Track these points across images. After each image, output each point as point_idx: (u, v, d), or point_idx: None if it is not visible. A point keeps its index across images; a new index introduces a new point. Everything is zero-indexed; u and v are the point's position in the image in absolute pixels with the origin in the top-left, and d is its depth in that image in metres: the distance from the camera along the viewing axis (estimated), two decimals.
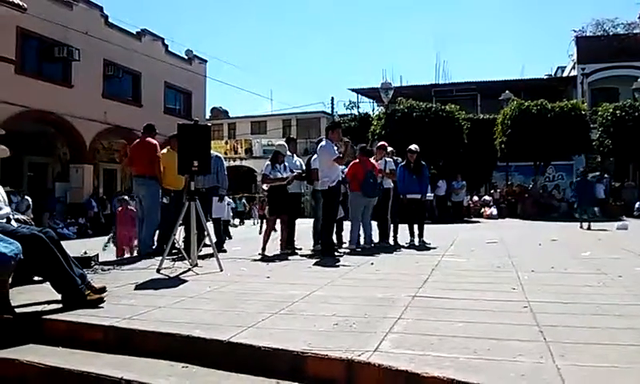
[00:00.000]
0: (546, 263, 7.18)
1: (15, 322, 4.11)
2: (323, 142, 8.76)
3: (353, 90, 36.98)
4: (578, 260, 7.81)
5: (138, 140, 9.40)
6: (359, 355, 3.12)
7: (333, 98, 38.94)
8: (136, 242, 9.35)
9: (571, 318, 4.02)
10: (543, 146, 22.36)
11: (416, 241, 10.16)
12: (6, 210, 4.81)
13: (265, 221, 16.18)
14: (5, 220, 4.70)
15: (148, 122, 9.57)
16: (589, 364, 2.97)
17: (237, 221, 26.57)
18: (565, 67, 35.34)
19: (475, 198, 25.98)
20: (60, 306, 4.52)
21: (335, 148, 8.49)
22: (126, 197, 11.03)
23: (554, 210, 23.72)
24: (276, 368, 3.30)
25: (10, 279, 4.33)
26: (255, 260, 8.11)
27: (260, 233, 11.60)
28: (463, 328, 3.72)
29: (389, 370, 2.92)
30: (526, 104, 23.10)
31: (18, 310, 4.30)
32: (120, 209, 10.84)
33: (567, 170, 28.53)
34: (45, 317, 4.20)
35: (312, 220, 9.65)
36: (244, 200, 31.98)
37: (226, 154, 32.98)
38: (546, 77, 35.82)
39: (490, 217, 23.02)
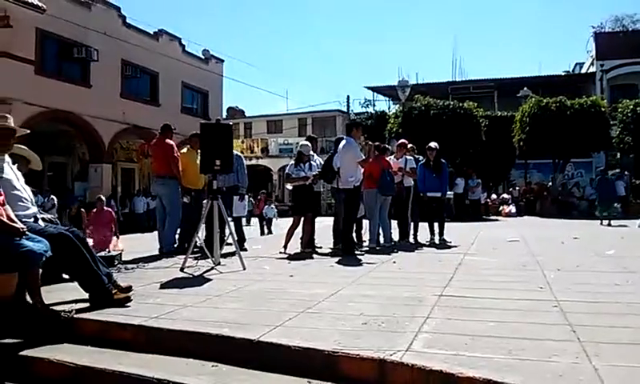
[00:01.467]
0: (570, 262, 7.11)
1: (46, 320, 4.13)
2: (344, 141, 8.74)
3: (368, 88, 36.92)
4: (603, 258, 7.71)
5: (155, 140, 9.45)
6: (391, 355, 3.09)
7: (348, 97, 39.02)
8: (112, 245, 9.44)
9: (603, 318, 3.96)
10: (562, 143, 22.18)
11: (436, 239, 10.08)
12: (33, 209, 4.84)
13: (264, 221, 15.92)
14: (32, 219, 4.72)
15: (165, 121, 9.63)
16: (625, 364, 2.92)
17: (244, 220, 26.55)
18: (583, 64, 35.01)
19: (493, 195, 25.80)
20: (87, 304, 4.54)
21: (359, 148, 8.51)
22: (102, 196, 10.88)
23: (573, 207, 23.48)
24: (307, 367, 3.29)
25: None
26: (277, 259, 8.11)
27: (262, 234, 11.80)
28: (494, 327, 3.68)
29: (422, 370, 2.89)
30: (545, 101, 22.91)
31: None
32: (94, 210, 10.74)
33: (586, 168, 28.26)
34: (75, 316, 4.21)
35: (329, 218, 9.63)
36: (251, 198, 31.99)
37: (242, 152, 32.99)
38: (564, 73, 35.50)
39: (509, 215, 22.86)
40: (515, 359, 2.99)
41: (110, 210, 9.88)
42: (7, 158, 4.82)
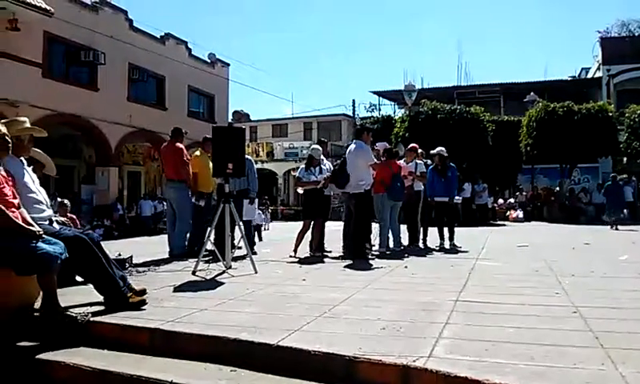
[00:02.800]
0: (584, 267, 7.07)
1: (62, 324, 4.12)
2: (353, 145, 8.73)
3: (374, 93, 36.97)
4: (616, 264, 7.66)
5: (165, 144, 9.45)
6: (414, 361, 3.06)
7: (354, 101, 38.90)
8: None
9: (624, 324, 3.92)
10: (569, 148, 22.16)
11: (446, 244, 10.05)
12: (49, 211, 4.84)
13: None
14: (47, 222, 4.72)
15: (172, 125, 9.63)
16: None
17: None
18: (589, 69, 34.93)
19: (500, 200, 25.74)
20: (103, 308, 4.53)
21: (372, 152, 8.51)
22: (66, 201, 10.64)
23: (581, 213, 23.40)
24: (327, 373, 3.26)
25: None
26: (288, 262, 8.09)
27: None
28: (515, 333, 3.64)
29: (448, 377, 2.85)
30: (552, 106, 22.86)
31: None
32: None
33: (593, 173, 28.17)
34: (91, 319, 4.19)
35: (338, 222, 9.61)
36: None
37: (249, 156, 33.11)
38: (570, 78, 35.43)
39: (516, 220, 22.81)
40: (540, 366, 2.95)
41: (74, 216, 9.73)
42: (24, 160, 4.82)
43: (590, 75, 34.11)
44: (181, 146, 8.97)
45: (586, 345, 3.37)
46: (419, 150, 10.55)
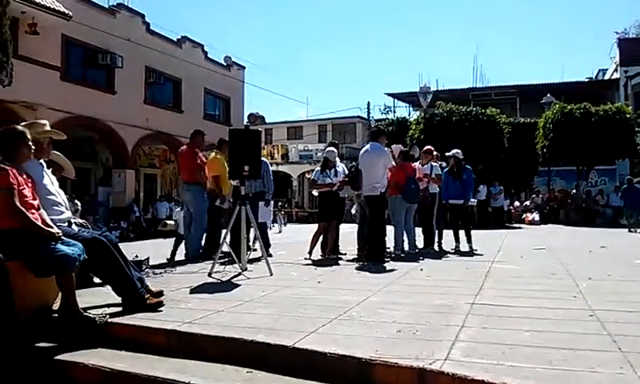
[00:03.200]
0: (600, 270, 6.99)
1: (81, 325, 4.16)
2: (368, 146, 8.72)
3: (389, 95, 36.86)
4: (633, 267, 7.59)
5: (183, 146, 9.51)
6: (430, 364, 3.05)
7: (369, 103, 38.85)
8: None
9: None
10: (586, 150, 21.95)
11: (462, 246, 10.01)
12: (67, 213, 4.90)
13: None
14: (66, 223, 4.78)
15: (188, 127, 9.68)
16: None
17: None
18: (606, 70, 34.58)
19: (516, 203, 25.55)
20: (120, 309, 4.57)
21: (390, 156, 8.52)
22: (77, 201, 10.67)
23: (598, 215, 23.17)
24: (343, 375, 3.27)
25: None
26: (303, 264, 8.11)
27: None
28: (532, 337, 3.62)
29: (464, 380, 2.85)
30: (569, 107, 22.67)
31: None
32: None
33: (610, 175, 27.87)
34: (109, 320, 4.24)
35: (351, 225, 9.61)
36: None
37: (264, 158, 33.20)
38: (587, 80, 35.09)
39: (532, 222, 22.62)
40: (558, 370, 2.94)
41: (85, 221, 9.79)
42: (43, 162, 4.89)
43: (607, 77, 33.76)
44: (193, 148, 9.02)
45: (604, 348, 3.35)
46: (434, 153, 10.50)
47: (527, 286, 5.91)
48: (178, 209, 16.19)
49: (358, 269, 7.62)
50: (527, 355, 3.20)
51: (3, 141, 4.37)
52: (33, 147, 4.47)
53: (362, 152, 9.04)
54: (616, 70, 31.10)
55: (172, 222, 14.37)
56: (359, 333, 3.83)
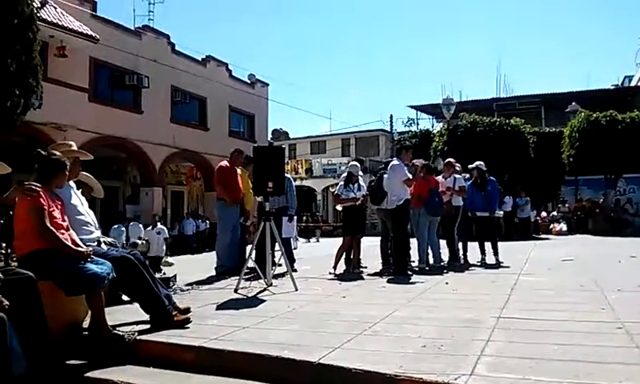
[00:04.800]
0: (631, 282, 6.85)
1: (110, 342, 4.25)
2: (395, 162, 8.75)
3: (412, 107, 36.82)
4: None
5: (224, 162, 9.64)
6: (455, 379, 3.06)
7: (392, 116, 38.76)
8: None
9: None
10: (614, 158, 21.64)
11: (487, 259, 9.92)
12: (97, 233, 5.02)
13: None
14: (95, 243, 4.89)
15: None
16: None
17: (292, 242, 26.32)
18: (632, 76, 34.06)
19: (543, 213, 25.21)
20: (148, 326, 4.65)
21: (406, 169, 8.52)
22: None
23: (627, 224, 22.73)
24: None
25: None
26: (328, 279, 8.14)
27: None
28: (558, 350, 3.59)
29: None
30: (595, 115, 22.38)
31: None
32: None
33: (639, 183, 27.35)
34: (137, 338, 4.32)
35: (374, 238, 9.61)
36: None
37: (288, 174, 33.36)
38: (613, 87, 34.60)
39: (560, 233, 22.30)
40: (584, 383, 2.91)
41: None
42: (72, 183, 5.02)
43: (633, 83, 33.26)
44: (221, 164, 9.15)
45: (633, 362, 3.32)
46: (456, 165, 10.45)
47: (554, 299, 5.85)
48: (150, 228, 16.36)
49: (382, 283, 7.61)
50: (553, 369, 3.18)
51: (43, 166, 4.51)
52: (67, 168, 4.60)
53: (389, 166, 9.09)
54: None
55: (142, 242, 14.46)
56: (384, 348, 3.84)
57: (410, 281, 7.68)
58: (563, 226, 22.97)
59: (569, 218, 24.34)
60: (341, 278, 8.33)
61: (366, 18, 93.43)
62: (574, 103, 26.07)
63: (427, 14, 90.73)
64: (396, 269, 8.34)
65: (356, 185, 9.02)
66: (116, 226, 16.39)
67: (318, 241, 20.06)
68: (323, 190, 37.82)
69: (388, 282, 7.68)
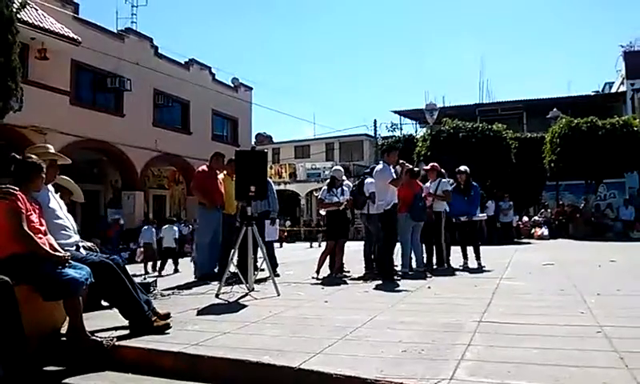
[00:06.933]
0: (610, 286, 6.93)
1: (88, 348, 4.19)
2: (380, 165, 8.74)
3: (395, 112, 36.96)
4: None
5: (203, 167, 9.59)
6: (436, 383, 3.05)
7: (375, 121, 38.86)
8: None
9: None
10: (594, 163, 21.86)
11: (469, 263, 9.96)
12: (75, 237, 4.95)
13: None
14: (74, 247, 4.83)
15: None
16: None
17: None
18: (613, 83, 34.52)
19: (525, 218, 25.43)
20: (127, 332, 4.60)
21: (392, 170, 8.48)
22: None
23: (607, 229, 22.99)
24: None
25: None
26: (311, 284, 8.12)
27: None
28: (538, 354, 3.61)
29: None
30: (576, 121, 22.63)
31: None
32: None
33: (619, 188, 27.71)
34: (116, 343, 4.26)
35: (358, 242, 9.60)
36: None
37: (270, 178, 33.23)
38: (593, 93, 35.04)
39: (541, 237, 22.47)
40: None
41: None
42: (50, 187, 4.95)
43: (613, 90, 33.69)
44: (199, 169, 9.13)
45: (611, 365, 3.34)
46: (441, 170, 10.47)
47: (535, 303, 5.88)
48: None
49: (365, 288, 7.60)
50: (533, 373, 3.19)
51: (19, 169, 4.45)
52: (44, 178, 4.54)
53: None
54: (622, 83, 31.02)
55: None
56: (365, 353, 3.83)
57: (393, 285, 7.67)
58: (544, 231, 23.16)
59: (550, 222, 24.55)
60: (324, 282, 8.31)
61: (350, 24, 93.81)
62: (555, 109, 26.33)
63: (411, 21, 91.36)
64: (382, 274, 8.31)
65: (339, 189, 9.02)
66: (146, 228, 16.13)
67: (320, 246, 20.05)
68: (307, 195, 37.76)
69: (370, 287, 7.66)
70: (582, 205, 24.85)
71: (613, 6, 76.87)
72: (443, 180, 10.11)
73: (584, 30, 79.78)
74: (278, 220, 9.85)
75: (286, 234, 28.61)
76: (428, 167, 10.58)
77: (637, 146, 22.39)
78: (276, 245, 10.63)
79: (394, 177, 8.47)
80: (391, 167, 8.57)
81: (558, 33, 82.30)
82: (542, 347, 3.80)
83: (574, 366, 3.33)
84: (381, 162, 9.03)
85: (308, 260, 11.12)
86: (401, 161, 8.87)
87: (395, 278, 8.39)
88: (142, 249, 15.83)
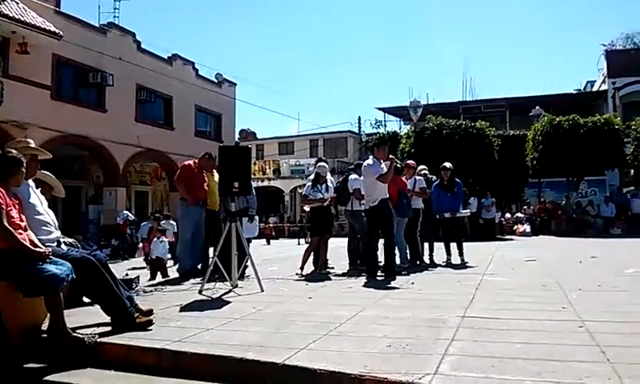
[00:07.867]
0: (591, 281, 7.02)
1: (70, 345, 4.14)
2: (369, 161, 8.68)
3: (380, 109, 37.01)
4: (624, 277, 7.62)
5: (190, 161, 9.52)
6: (420, 378, 3.06)
7: (360, 117, 38.95)
8: None
9: (631, 338, 3.91)
10: (576, 161, 22.07)
11: (453, 259, 10.01)
12: (57, 233, 4.88)
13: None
14: (55, 243, 4.76)
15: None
16: None
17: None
18: (594, 82, 34.91)
19: (507, 215, 25.64)
20: (109, 328, 4.55)
21: (382, 165, 8.37)
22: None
23: (588, 226, 23.25)
24: None
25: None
26: (294, 280, 8.11)
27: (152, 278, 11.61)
28: (521, 349, 3.63)
29: None
30: (558, 119, 22.84)
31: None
32: None
33: (600, 185, 28.05)
34: (98, 340, 4.21)
35: (341, 238, 9.59)
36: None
37: (254, 174, 33.09)
38: (575, 92, 35.40)
39: (524, 234, 22.67)
40: (546, 381, 2.96)
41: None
42: (31, 182, 4.88)
43: (595, 88, 34.06)
44: (186, 163, 9.06)
45: (592, 359, 3.37)
46: (422, 168, 10.51)
47: (518, 298, 5.94)
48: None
49: (349, 284, 7.61)
50: (516, 367, 3.21)
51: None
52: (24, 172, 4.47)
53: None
54: (604, 82, 31.38)
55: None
56: (349, 348, 3.82)
57: (377, 281, 7.67)
58: (527, 227, 23.36)
59: (532, 219, 24.78)
60: (308, 278, 8.31)
61: (335, 20, 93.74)
62: (537, 107, 26.56)
63: (396, 18, 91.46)
64: (367, 270, 8.26)
65: (324, 185, 9.00)
66: (145, 223, 16.02)
67: (307, 242, 19.99)
68: (291, 191, 37.70)
69: (355, 283, 7.66)
70: (564, 202, 25.11)
71: (595, 5, 77.72)
72: (418, 178, 10.12)
73: (566, 29, 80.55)
74: (256, 217, 9.78)
75: (273, 232, 28.53)
76: (405, 164, 10.53)
77: (617, 144, 22.70)
78: (263, 242, 10.59)
79: (381, 172, 8.41)
80: (381, 162, 8.47)
81: (540, 32, 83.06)
82: (525, 342, 3.83)
83: (556, 360, 3.36)
84: (370, 157, 8.99)
85: (292, 256, 11.10)
86: (391, 156, 8.80)
87: (380, 275, 8.30)
88: (141, 245, 15.85)
